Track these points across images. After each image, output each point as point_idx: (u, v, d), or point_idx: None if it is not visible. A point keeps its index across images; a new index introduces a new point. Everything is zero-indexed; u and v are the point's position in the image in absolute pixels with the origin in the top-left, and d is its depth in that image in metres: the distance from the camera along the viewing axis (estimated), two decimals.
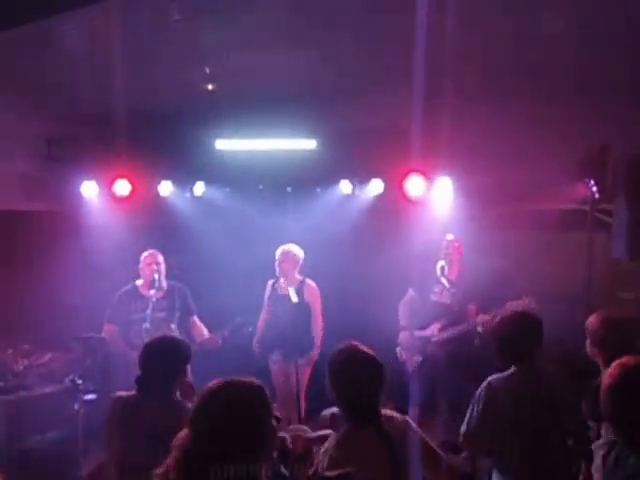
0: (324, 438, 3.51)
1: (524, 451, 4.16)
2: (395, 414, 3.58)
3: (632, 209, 6.19)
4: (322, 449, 3.44)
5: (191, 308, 6.82)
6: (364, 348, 3.58)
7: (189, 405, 4.32)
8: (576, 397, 4.26)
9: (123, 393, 4.20)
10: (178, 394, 4.16)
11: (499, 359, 4.44)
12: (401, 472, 3.26)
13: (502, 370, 4.40)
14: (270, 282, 7.28)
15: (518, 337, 4.39)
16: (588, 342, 4.46)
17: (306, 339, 6.97)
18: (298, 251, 7.17)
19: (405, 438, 3.41)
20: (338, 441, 3.40)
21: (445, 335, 6.79)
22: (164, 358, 4.11)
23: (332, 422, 3.74)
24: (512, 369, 4.37)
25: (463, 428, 4.34)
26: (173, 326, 6.59)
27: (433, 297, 7.00)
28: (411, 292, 7.19)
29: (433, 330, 6.85)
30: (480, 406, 4.26)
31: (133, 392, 4.14)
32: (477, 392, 4.34)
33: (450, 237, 7.09)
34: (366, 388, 3.43)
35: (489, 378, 4.36)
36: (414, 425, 3.56)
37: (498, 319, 4.70)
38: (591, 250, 6.58)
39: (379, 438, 3.30)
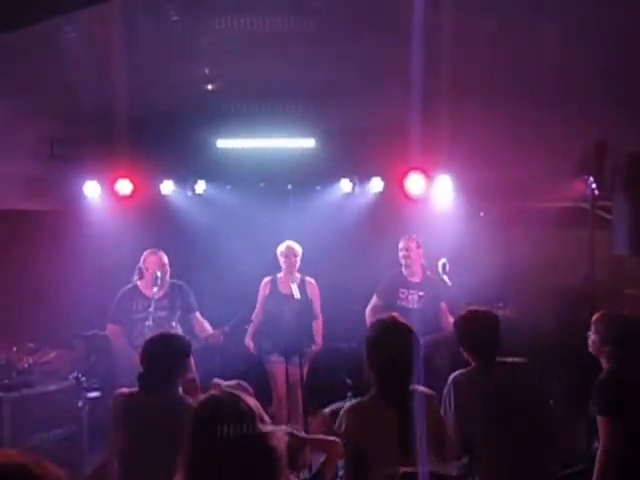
0: (320, 441, 3.49)
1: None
2: (422, 388, 3.62)
3: (632, 205, 6.19)
4: (346, 408, 3.53)
5: (192, 306, 6.81)
6: (404, 321, 3.65)
7: (192, 401, 4.41)
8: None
9: (125, 390, 4.23)
10: (181, 390, 4.19)
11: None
12: (410, 447, 3.29)
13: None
14: (267, 280, 7.27)
15: (474, 333, 4.42)
16: (593, 338, 4.43)
17: (308, 338, 6.98)
18: (299, 248, 7.21)
19: (426, 411, 3.44)
20: (360, 404, 3.51)
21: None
22: (165, 355, 4.15)
23: (332, 419, 3.76)
24: (472, 365, 4.41)
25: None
26: (174, 324, 6.59)
27: (398, 302, 6.96)
28: (375, 297, 7.15)
29: None
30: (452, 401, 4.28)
31: (136, 389, 4.17)
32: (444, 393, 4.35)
33: (411, 236, 7.05)
34: (401, 356, 3.46)
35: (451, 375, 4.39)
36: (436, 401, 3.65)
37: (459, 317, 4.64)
38: (593, 247, 6.57)
39: (400, 412, 3.35)
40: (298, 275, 7.13)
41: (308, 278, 7.21)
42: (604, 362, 4.34)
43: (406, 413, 3.31)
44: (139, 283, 6.74)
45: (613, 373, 4.22)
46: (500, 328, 4.42)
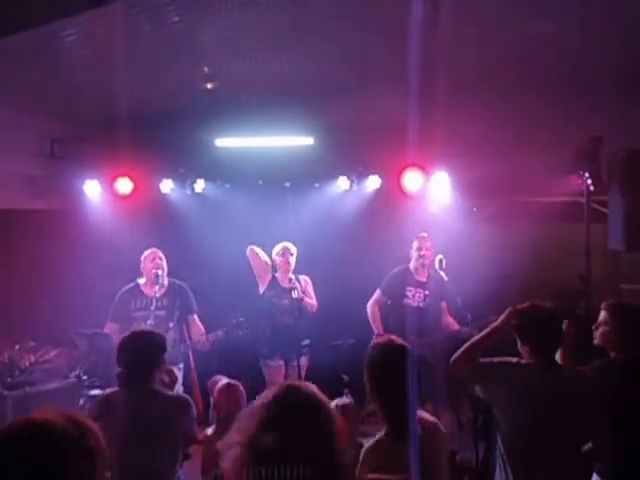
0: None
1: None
2: (424, 414, 3.49)
3: (627, 201, 6.19)
4: (366, 446, 3.35)
5: (192, 307, 6.83)
6: (403, 344, 3.49)
7: (170, 392, 4.44)
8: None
9: (108, 391, 4.32)
10: (158, 383, 4.28)
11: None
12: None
13: None
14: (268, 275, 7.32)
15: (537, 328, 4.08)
16: (604, 329, 4.34)
17: (306, 336, 7.06)
18: (294, 248, 7.28)
19: (434, 443, 3.32)
20: (377, 444, 3.33)
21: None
22: (141, 352, 4.21)
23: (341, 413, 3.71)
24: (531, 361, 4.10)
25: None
26: (171, 324, 6.62)
27: (405, 300, 7.01)
28: (379, 292, 7.17)
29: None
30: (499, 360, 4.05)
31: (115, 388, 4.24)
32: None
33: (424, 235, 7.05)
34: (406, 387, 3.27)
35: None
36: (442, 428, 3.49)
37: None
38: (589, 241, 6.55)
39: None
40: (292, 276, 7.17)
41: (302, 276, 7.27)
42: (614, 353, 4.30)
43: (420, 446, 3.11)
44: (140, 282, 6.79)
45: (625, 362, 4.21)
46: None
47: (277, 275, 7.25)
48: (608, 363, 4.31)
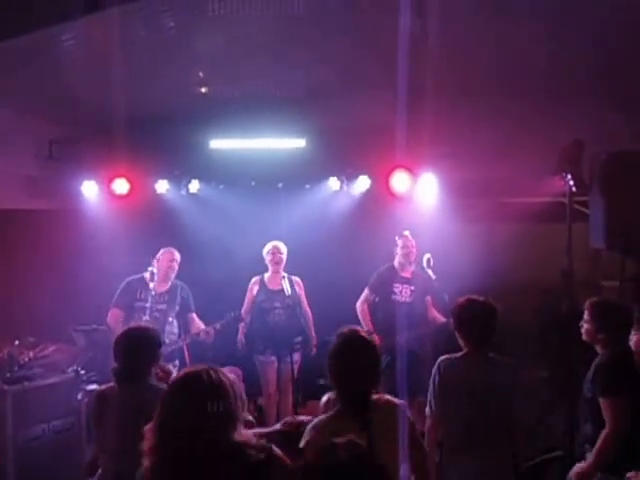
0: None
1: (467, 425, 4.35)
2: (390, 398, 3.57)
3: (607, 201, 6.25)
4: (310, 425, 3.47)
5: (190, 306, 7.07)
6: (365, 334, 3.61)
7: (164, 387, 4.59)
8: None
9: (104, 387, 4.37)
10: (154, 378, 4.33)
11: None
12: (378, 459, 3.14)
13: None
14: (255, 279, 7.46)
15: (470, 322, 4.53)
16: (587, 326, 4.51)
17: (298, 333, 7.12)
18: (284, 247, 7.43)
19: (393, 423, 3.39)
20: (327, 419, 3.44)
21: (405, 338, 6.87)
22: (138, 347, 4.25)
23: (326, 408, 3.83)
24: (463, 351, 4.55)
25: (427, 409, 4.55)
26: (171, 319, 6.87)
27: (393, 296, 7.18)
28: (367, 291, 7.34)
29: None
30: (437, 381, 4.48)
31: (112, 384, 4.28)
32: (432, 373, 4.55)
33: (407, 233, 7.24)
34: (362, 374, 3.43)
35: (439, 359, 4.56)
36: (406, 411, 3.56)
37: (457, 304, 4.68)
38: (570, 240, 6.55)
39: (364, 426, 3.21)
40: (284, 274, 7.30)
41: (294, 277, 7.41)
42: (599, 348, 4.44)
43: (369, 425, 3.22)
44: (146, 275, 6.96)
45: (613, 356, 4.33)
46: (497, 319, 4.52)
47: (265, 277, 7.38)
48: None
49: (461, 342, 4.58)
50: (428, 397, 4.55)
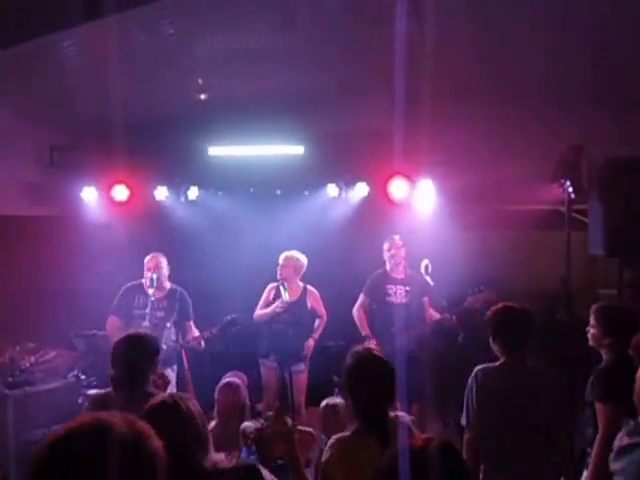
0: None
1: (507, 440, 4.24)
2: (401, 414, 3.61)
3: (606, 208, 6.28)
4: (329, 443, 3.49)
5: (189, 314, 6.99)
6: (379, 353, 3.67)
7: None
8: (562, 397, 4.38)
9: (101, 391, 4.41)
10: (151, 385, 4.30)
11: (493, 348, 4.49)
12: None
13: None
14: (272, 285, 7.37)
15: (510, 329, 4.42)
16: (593, 331, 4.50)
17: (301, 347, 7.18)
18: (301, 257, 7.36)
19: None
20: (346, 436, 3.45)
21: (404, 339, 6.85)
22: (135, 355, 4.23)
23: (325, 411, 3.99)
24: (501, 360, 4.42)
25: (464, 421, 4.43)
26: (168, 325, 6.81)
27: (387, 298, 7.20)
28: (362, 296, 7.36)
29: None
30: (474, 394, 4.35)
31: (109, 389, 4.29)
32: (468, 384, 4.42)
33: (394, 237, 7.29)
34: (381, 393, 3.44)
35: (476, 369, 4.43)
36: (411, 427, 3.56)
37: (491, 310, 4.56)
38: (569, 249, 6.62)
39: (383, 443, 3.19)
40: (301, 284, 7.33)
41: (310, 287, 7.39)
42: (605, 353, 4.44)
43: (386, 443, 3.15)
44: (144, 282, 6.94)
45: (614, 362, 4.32)
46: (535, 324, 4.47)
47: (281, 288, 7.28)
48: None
49: (498, 352, 4.46)
50: (464, 409, 4.43)
